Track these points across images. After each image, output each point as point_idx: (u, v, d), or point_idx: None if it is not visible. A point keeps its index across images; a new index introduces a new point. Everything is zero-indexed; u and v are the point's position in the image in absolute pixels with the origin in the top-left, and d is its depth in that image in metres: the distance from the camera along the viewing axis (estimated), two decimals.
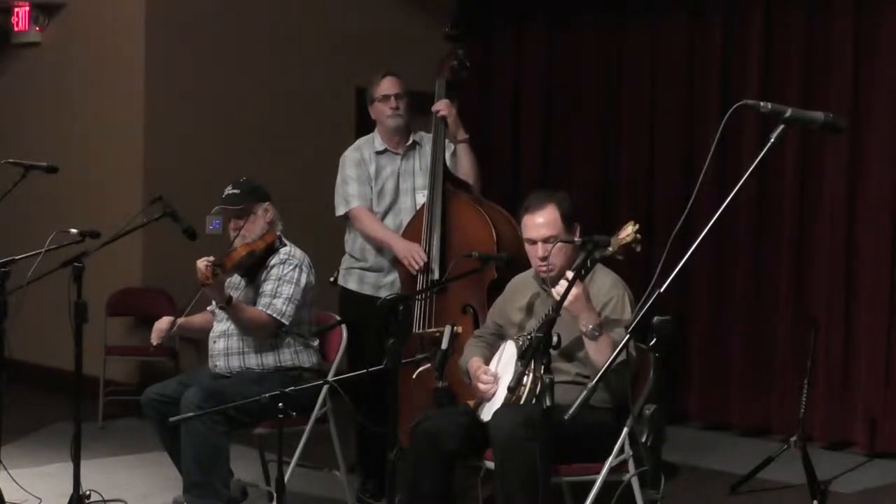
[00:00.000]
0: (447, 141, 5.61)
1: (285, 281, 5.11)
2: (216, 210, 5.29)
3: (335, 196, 5.73)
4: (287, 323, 5.09)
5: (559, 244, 4.38)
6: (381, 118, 5.72)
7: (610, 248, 3.95)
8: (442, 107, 5.59)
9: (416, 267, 5.42)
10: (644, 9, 7.88)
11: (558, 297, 3.95)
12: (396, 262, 5.57)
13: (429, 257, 5.42)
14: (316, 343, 5.26)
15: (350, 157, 5.74)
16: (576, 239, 4.41)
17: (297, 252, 5.23)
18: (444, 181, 5.49)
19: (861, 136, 6.91)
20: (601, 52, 8.12)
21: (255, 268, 5.19)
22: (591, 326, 4.16)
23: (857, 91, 6.93)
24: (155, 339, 5.09)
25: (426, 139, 5.73)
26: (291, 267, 5.14)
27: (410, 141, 5.74)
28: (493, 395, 4.42)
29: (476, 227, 5.36)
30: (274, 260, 5.17)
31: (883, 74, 6.85)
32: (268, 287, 5.12)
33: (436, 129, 5.59)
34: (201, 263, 4.85)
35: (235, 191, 5.23)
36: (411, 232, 5.55)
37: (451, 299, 5.36)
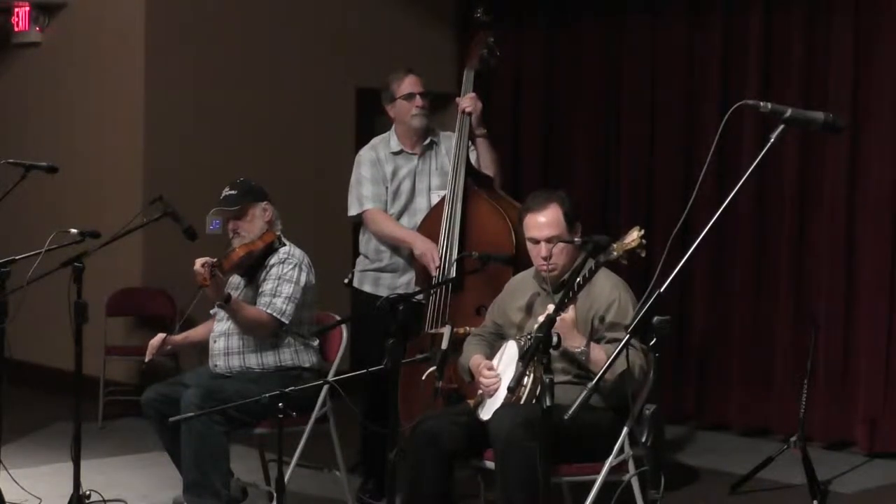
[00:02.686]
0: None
1: (285, 280, 5.11)
2: (214, 212, 5.28)
3: (349, 195, 5.67)
4: (287, 322, 5.09)
5: (561, 244, 4.39)
6: (404, 118, 5.61)
7: (615, 253, 3.95)
8: (468, 103, 5.49)
9: (433, 266, 5.38)
10: (644, 9, 7.88)
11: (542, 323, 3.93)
12: (413, 260, 5.53)
13: (447, 256, 5.36)
14: (316, 343, 5.25)
15: (366, 156, 5.66)
16: (576, 239, 4.40)
17: (297, 251, 5.22)
18: (466, 177, 5.40)
19: (861, 136, 6.91)
20: (601, 52, 8.11)
21: (254, 268, 5.19)
22: (577, 350, 4.18)
23: (857, 91, 6.92)
24: (147, 357, 5.12)
25: (442, 138, 5.67)
26: (291, 266, 5.14)
27: (427, 140, 5.67)
28: (496, 391, 4.42)
29: (495, 226, 5.30)
30: (273, 259, 5.17)
31: (883, 74, 6.85)
32: (267, 286, 5.11)
33: (460, 123, 5.48)
34: (199, 265, 4.85)
35: (232, 192, 5.23)
36: (427, 228, 5.48)
37: (465, 300, 5.32)
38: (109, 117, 7.99)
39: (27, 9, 8.44)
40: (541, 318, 4.03)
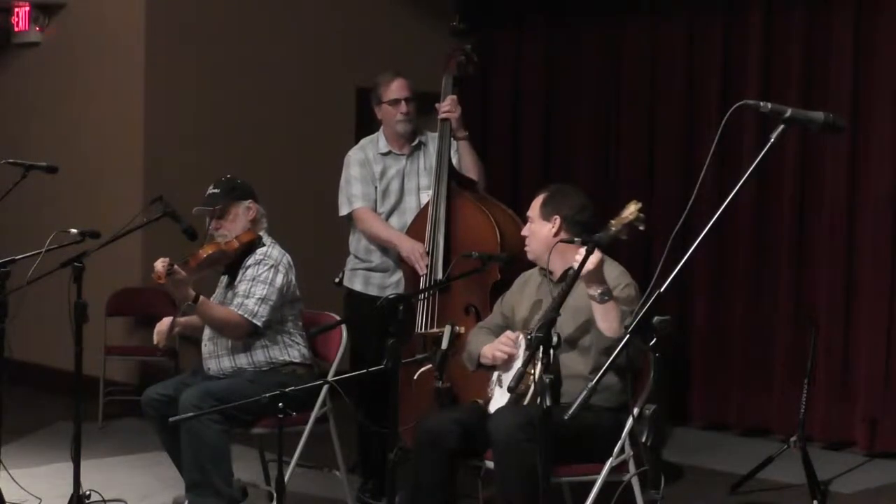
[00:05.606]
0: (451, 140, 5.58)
1: (259, 281, 5.07)
2: (195, 211, 5.25)
3: (339, 196, 5.71)
4: (260, 324, 5.04)
5: (562, 244, 4.40)
6: (390, 122, 5.66)
7: (613, 228, 3.93)
8: (447, 106, 5.54)
9: (420, 267, 5.41)
10: (644, 8, 7.88)
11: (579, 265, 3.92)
12: (401, 261, 5.56)
13: (433, 257, 5.40)
14: (300, 338, 5.22)
15: (354, 156, 5.70)
16: (576, 239, 4.39)
17: (275, 252, 5.17)
18: (450, 180, 5.46)
19: (861, 136, 6.91)
20: (601, 52, 8.11)
21: (235, 268, 5.17)
22: (600, 291, 4.17)
23: (857, 91, 6.92)
24: (161, 342, 5.09)
25: (430, 138, 5.70)
26: (266, 267, 5.09)
27: (416, 141, 5.70)
28: (513, 360, 4.41)
29: (480, 227, 5.34)
30: (250, 261, 5.12)
31: (883, 74, 6.85)
32: (241, 287, 5.08)
33: (441, 128, 5.54)
34: (158, 263, 4.84)
35: (215, 191, 5.20)
36: (415, 231, 5.53)
37: (454, 299, 5.35)
38: (109, 117, 7.99)
39: (27, 9, 8.44)
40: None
